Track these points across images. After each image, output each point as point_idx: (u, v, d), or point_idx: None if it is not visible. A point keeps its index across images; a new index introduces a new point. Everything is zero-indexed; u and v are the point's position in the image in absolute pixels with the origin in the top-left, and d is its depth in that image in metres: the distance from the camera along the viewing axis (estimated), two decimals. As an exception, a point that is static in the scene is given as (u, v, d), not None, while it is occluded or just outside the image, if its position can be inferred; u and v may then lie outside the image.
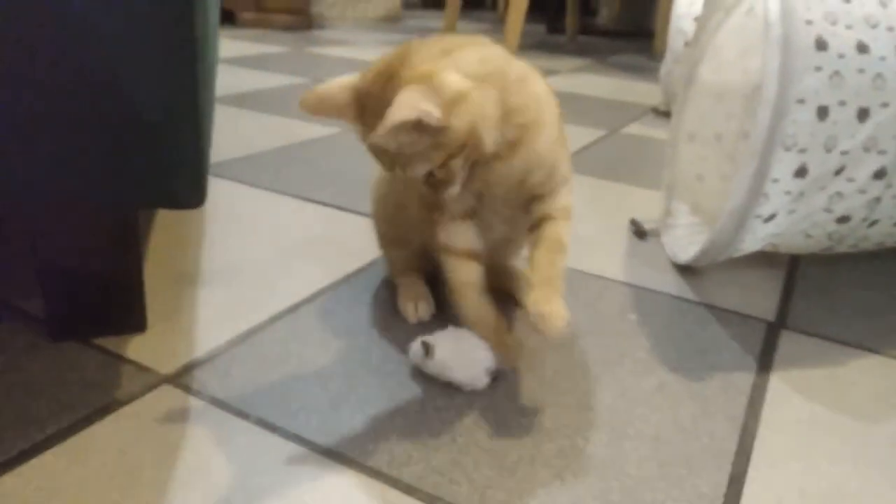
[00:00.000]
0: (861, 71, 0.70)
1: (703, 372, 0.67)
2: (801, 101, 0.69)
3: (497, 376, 0.63)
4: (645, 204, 1.12)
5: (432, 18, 4.06)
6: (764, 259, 0.94)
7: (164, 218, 0.93)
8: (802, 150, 0.71)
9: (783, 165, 0.71)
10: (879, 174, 0.74)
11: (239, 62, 2.14)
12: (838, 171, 0.73)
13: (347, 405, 0.59)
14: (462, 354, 0.61)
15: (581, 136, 1.52)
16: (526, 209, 0.65)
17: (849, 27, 0.70)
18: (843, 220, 0.78)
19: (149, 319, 0.68)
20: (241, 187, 1.06)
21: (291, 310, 0.73)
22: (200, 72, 0.55)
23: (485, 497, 0.49)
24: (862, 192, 0.75)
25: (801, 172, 0.72)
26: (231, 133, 1.36)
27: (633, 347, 0.70)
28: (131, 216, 0.63)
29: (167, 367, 0.62)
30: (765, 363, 0.69)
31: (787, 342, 0.73)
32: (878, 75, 0.71)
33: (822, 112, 0.70)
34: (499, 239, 0.70)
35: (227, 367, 0.62)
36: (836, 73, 0.69)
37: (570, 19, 3.37)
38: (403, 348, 0.67)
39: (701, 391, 0.64)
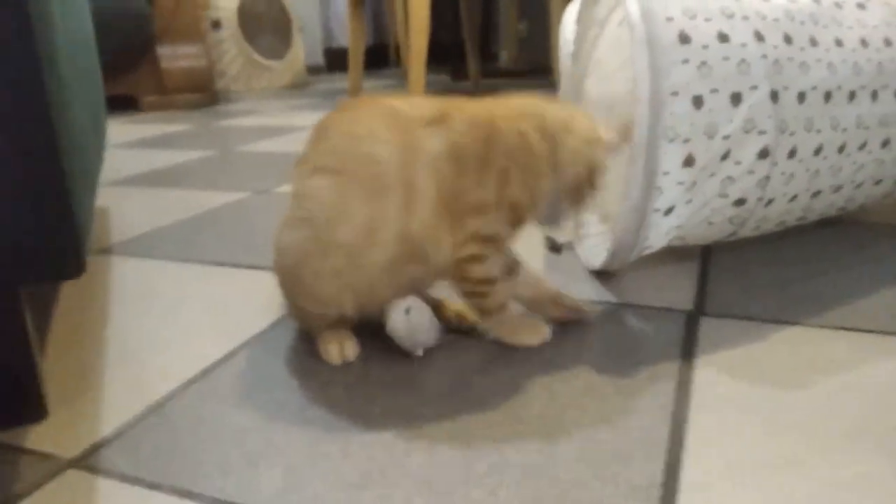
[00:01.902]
0: (726, 59, 0.74)
1: (629, 368, 0.67)
2: (675, 94, 0.72)
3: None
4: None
5: (338, 80, 4.12)
6: (676, 254, 0.96)
7: (66, 303, 0.89)
8: (686, 140, 0.73)
9: (670, 157, 0.73)
10: (763, 154, 0.77)
11: (143, 143, 2.10)
12: (724, 156, 0.76)
13: (265, 460, 0.56)
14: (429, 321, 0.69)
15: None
16: None
17: (707, 20, 0.74)
18: (740, 202, 0.80)
19: (50, 406, 0.64)
20: (148, 262, 1.03)
21: (203, 374, 0.70)
22: (62, 137, 0.53)
23: (417, 527, 0.47)
24: (751, 172, 0.78)
25: (689, 162, 0.74)
26: (137, 211, 1.32)
27: (557, 354, 0.70)
28: (13, 305, 0.59)
29: (71, 452, 0.57)
30: (688, 351, 0.70)
31: (708, 327, 0.74)
32: (742, 61, 0.74)
33: (697, 101, 0.73)
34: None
35: (137, 441, 0.59)
36: (703, 63, 0.73)
37: (472, 65, 3.47)
38: (323, 395, 0.64)
39: (628, 387, 0.63)
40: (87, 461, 0.56)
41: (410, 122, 0.64)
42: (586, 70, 1.03)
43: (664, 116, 0.71)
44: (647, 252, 0.84)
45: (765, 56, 0.75)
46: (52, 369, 0.71)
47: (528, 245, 1.02)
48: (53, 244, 0.54)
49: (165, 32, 2.87)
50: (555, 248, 1.00)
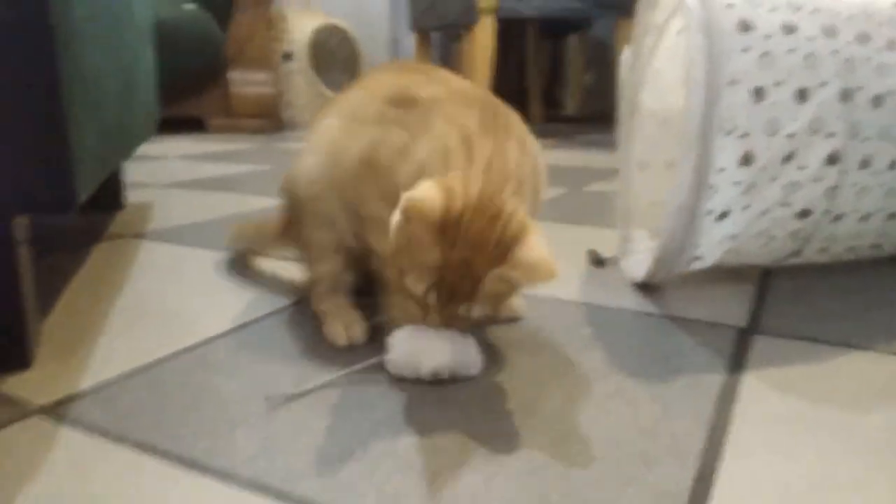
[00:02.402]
0: (791, 51, 0.67)
1: (666, 376, 0.59)
2: (734, 83, 0.66)
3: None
4: (604, 241, 1.07)
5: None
6: (732, 275, 0.87)
7: (87, 273, 0.87)
8: (744, 135, 0.67)
9: (727, 153, 0.67)
10: (832, 159, 0.69)
11: (202, 157, 2.14)
12: (787, 158, 0.68)
13: (246, 427, 0.50)
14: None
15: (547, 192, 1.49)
16: None
17: (772, 10, 0.68)
18: (804, 214, 0.72)
19: (39, 359, 0.61)
20: (178, 247, 1.01)
21: (200, 344, 0.65)
22: (63, 70, 0.50)
23: (396, 507, 0.41)
24: (817, 180, 0.70)
25: (747, 160, 0.68)
26: (180, 208, 1.31)
27: (585, 358, 0.63)
28: (9, 255, 0.56)
29: (44, 400, 0.53)
30: (736, 364, 0.62)
31: (761, 345, 0.66)
32: (810, 55, 0.68)
33: (758, 93, 0.66)
34: None
35: (114, 397, 0.54)
36: (766, 53, 0.66)
37: (535, 108, 3.46)
38: (325, 370, 0.59)
39: (663, 393, 0.56)
40: (57, 410, 0.52)
41: (393, 97, 0.64)
42: (642, 80, 0.97)
43: (720, 106, 0.65)
44: (698, 266, 0.76)
45: (836, 52, 0.69)
46: (53, 326, 0.68)
47: (570, 258, 0.95)
48: (46, 178, 0.51)
49: (237, 59, 2.96)
50: (598, 261, 0.93)
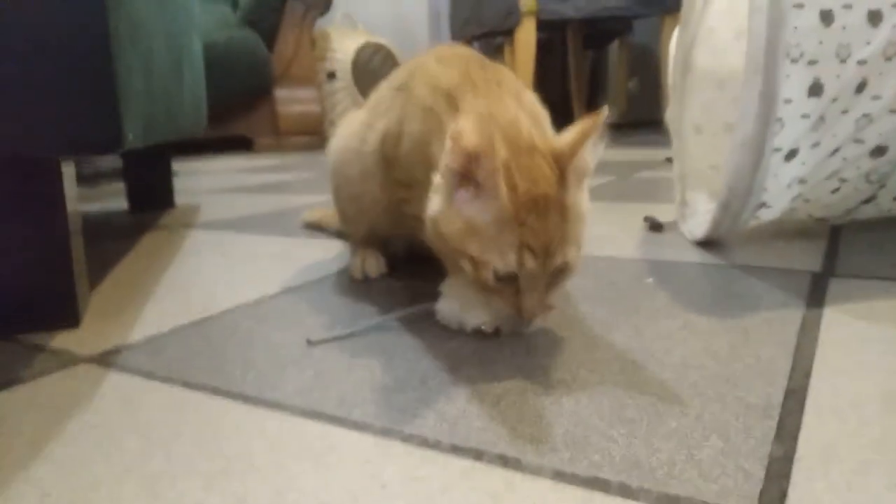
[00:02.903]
0: (861, -31, 0.63)
1: (739, 312, 0.55)
2: (800, 6, 0.62)
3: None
4: (660, 213, 1.02)
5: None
6: (801, 231, 0.82)
7: (139, 250, 0.86)
8: (812, 62, 0.62)
9: (793, 81, 0.62)
10: (909, 87, 0.64)
11: (251, 169, 2.16)
12: (860, 88, 0.64)
13: (295, 365, 0.48)
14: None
15: (594, 181, 1.45)
16: None
17: (838, -71, 0.64)
18: (879, 152, 0.67)
19: (88, 319, 0.60)
20: (225, 233, 1.00)
21: (252, 303, 0.64)
22: (111, 10, 0.50)
23: (455, 427, 0.38)
24: (893, 111, 0.65)
25: (815, 90, 0.63)
26: (228, 207, 1.32)
27: (650, 301, 0.59)
28: (57, 199, 0.56)
29: (91, 351, 0.52)
30: (815, 301, 0.57)
31: (838, 286, 0.61)
32: (883, -27, 0.63)
33: (826, 17, 0.62)
34: None
35: (163, 347, 0.53)
36: (834, -28, 0.62)
37: (579, 113, 3.42)
38: (376, 311, 0.57)
39: (739, 325, 0.51)
40: (105, 359, 0.51)
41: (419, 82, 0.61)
42: (695, 38, 0.94)
43: (786, 30, 0.61)
44: (766, 215, 0.72)
45: (910, -29, 0.64)
46: (102, 295, 0.68)
47: (625, 228, 0.91)
48: (94, 118, 0.51)
49: (283, 79, 3.02)
50: (656, 226, 0.89)
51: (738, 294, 0.60)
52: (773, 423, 0.37)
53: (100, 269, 0.79)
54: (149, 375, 0.47)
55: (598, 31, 3.53)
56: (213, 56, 2.59)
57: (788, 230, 0.83)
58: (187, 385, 0.45)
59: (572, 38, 3.44)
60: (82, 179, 1.99)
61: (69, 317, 0.58)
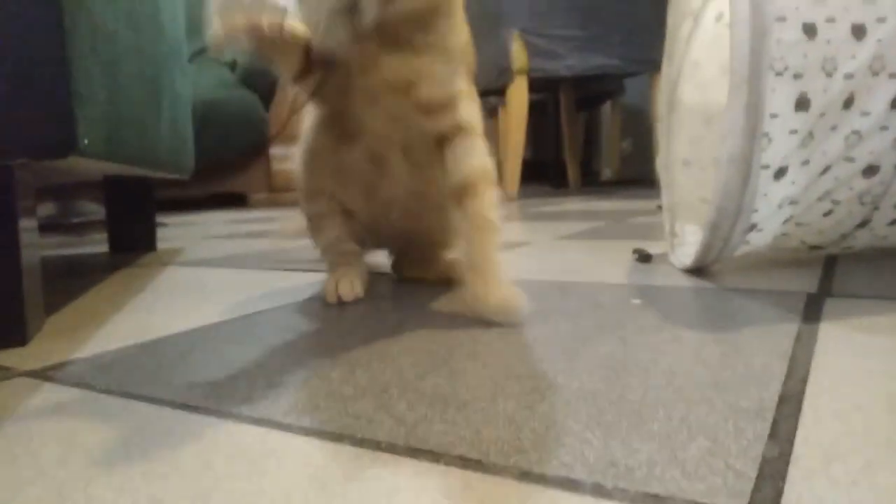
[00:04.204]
0: (843, -16, 0.62)
1: (731, 327, 0.51)
2: (782, 19, 0.60)
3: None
4: (649, 248, 1.00)
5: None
6: (794, 259, 0.79)
7: (109, 283, 0.83)
8: (798, 76, 0.61)
9: (779, 95, 0.61)
10: (898, 103, 0.63)
11: (242, 220, 2.15)
12: (848, 103, 0.62)
13: (246, 377, 0.44)
14: None
15: (585, 226, 1.43)
16: (428, 151, 0.62)
17: (817, -54, 0.64)
18: (871, 171, 0.65)
19: (38, 337, 0.56)
20: (202, 269, 0.97)
21: (208, 326, 0.60)
22: (67, 20, 0.49)
23: (413, 431, 0.34)
24: (883, 128, 0.63)
25: (802, 104, 0.61)
26: (210, 249, 1.29)
27: (638, 318, 0.55)
28: (9, 205, 0.53)
29: (32, 366, 0.48)
30: (810, 317, 0.53)
31: (835, 304, 0.57)
32: (865, -12, 0.62)
33: (810, 30, 0.61)
34: (402, 197, 0.67)
35: (109, 362, 0.49)
36: (815, -14, 0.61)
37: (573, 173, 3.44)
38: (332, 341, 0.53)
39: (730, 338, 0.48)
40: (44, 373, 0.47)
41: None
42: (680, 72, 0.93)
43: (769, 43, 0.60)
44: (757, 240, 0.69)
45: (893, -12, 0.63)
46: (59, 318, 0.64)
47: (614, 262, 0.88)
48: (44, 124, 0.48)
49: (279, 137, 3.04)
50: (645, 257, 0.86)
51: (730, 312, 0.56)
52: (767, 425, 0.33)
53: (64, 298, 0.76)
54: (87, 387, 0.43)
55: (591, 93, 3.59)
56: (211, 115, 2.62)
57: (782, 259, 0.80)
58: (126, 395, 0.41)
59: (565, 98, 3.49)
60: (69, 228, 1.96)
61: (15, 335, 0.54)
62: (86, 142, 0.50)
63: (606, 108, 3.93)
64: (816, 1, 0.61)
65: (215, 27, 0.48)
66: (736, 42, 0.60)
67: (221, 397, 0.40)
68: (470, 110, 0.61)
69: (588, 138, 4.19)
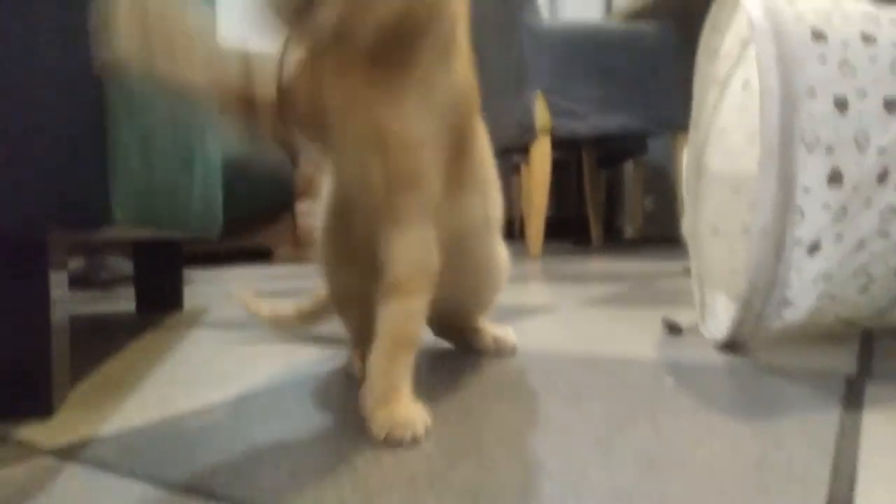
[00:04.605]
0: (873, 59, 0.62)
1: (769, 414, 0.49)
2: (813, 92, 0.60)
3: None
4: (679, 317, 0.98)
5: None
6: (829, 335, 0.77)
7: (140, 341, 0.83)
8: (829, 149, 0.60)
9: (811, 169, 0.60)
10: (934, 178, 0.62)
11: (267, 277, 2.16)
12: (882, 178, 0.61)
13: (272, 464, 0.43)
14: None
15: (609, 289, 1.41)
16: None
17: (846, 21, 0.64)
18: (909, 246, 0.64)
19: (63, 408, 0.56)
20: (227, 332, 0.97)
21: (237, 400, 0.59)
22: (112, 108, 0.50)
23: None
24: (920, 203, 0.62)
25: (835, 178, 0.61)
26: (235, 310, 1.29)
27: (670, 401, 0.54)
28: (41, 299, 0.53)
29: (55, 443, 0.48)
30: (852, 404, 0.51)
31: (877, 389, 0.55)
32: (896, 63, 0.62)
33: (841, 104, 0.61)
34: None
35: (134, 440, 0.48)
36: (845, 61, 0.61)
37: (596, 230, 3.44)
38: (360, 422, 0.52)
39: (769, 429, 0.46)
40: (68, 452, 0.46)
41: None
42: (707, 139, 0.93)
43: (800, 116, 0.59)
44: (791, 316, 0.67)
45: (924, 63, 0.63)
46: (84, 386, 0.64)
47: (642, 332, 0.87)
48: (82, 190, 0.49)
49: (305, 191, 3.09)
50: (674, 328, 0.84)
51: (767, 396, 0.54)
52: (817, 533, 0.31)
53: (89, 364, 0.76)
54: (111, 469, 0.42)
55: (613, 151, 3.61)
56: (239, 174, 2.67)
57: (816, 333, 0.78)
58: (151, 480, 0.40)
59: (587, 156, 3.51)
60: (97, 284, 1.99)
61: (41, 407, 0.54)
62: (119, 214, 0.51)
63: (629, 165, 3.94)
64: (847, 74, 0.61)
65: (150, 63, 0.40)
66: (766, 115, 0.60)
67: (245, 485, 0.39)
68: (432, 191, 0.49)
69: (610, 196, 4.19)
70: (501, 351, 0.72)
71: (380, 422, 0.46)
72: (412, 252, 0.48)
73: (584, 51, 2.52)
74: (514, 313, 1.05)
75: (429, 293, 0.49)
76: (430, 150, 0.47)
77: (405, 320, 0.48)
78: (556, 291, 1.35)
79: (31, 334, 0.53)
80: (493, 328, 0.74)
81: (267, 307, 0.90)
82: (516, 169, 3.96)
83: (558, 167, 3.06)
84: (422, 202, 0.48)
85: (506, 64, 2.60)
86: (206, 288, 1.79)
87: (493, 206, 0.63)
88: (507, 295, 1.28)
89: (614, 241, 3.72)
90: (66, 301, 0.57)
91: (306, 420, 0.52)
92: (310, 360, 0.75)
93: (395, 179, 0.46)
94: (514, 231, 5.05)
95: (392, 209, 0.47)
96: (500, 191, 0.65)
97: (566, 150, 3.55)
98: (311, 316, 0.85)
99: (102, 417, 0.54)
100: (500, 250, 0.68)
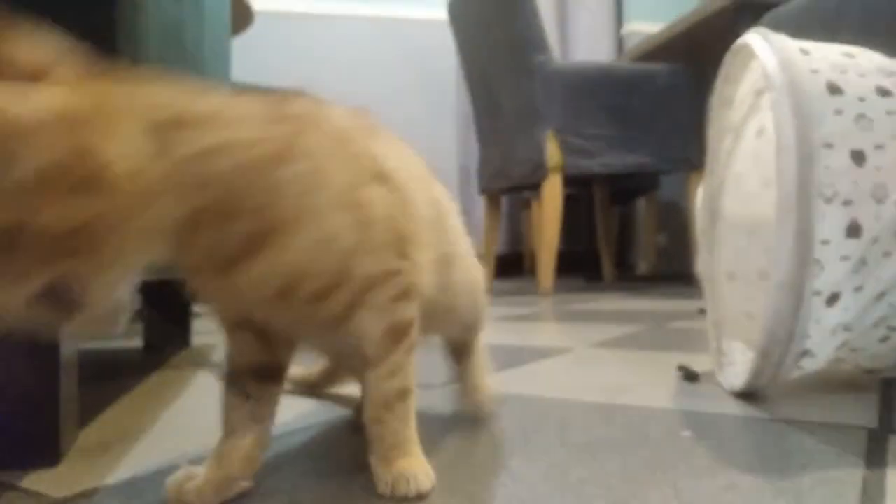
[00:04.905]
0: (890, 113, 0.62)
1: (789, 472, 0.48)
2: (830, 146, 0.60)
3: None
4: (695, 364, 0.96)
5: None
6: (849, 382, 0.75)
7: (150, 384, 0.83)
8: (847, 202, 0.60)
9: (830, 222, 0.59)
10: (954, 231, 0.61)
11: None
12: (901, 230, 0.61)
13: (283, 514, 0.42)
14: None
15: (623, 330, 1.40)
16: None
17: (862, 75, 0.64)
18: (929, 298, 0.63)
19: (70, 456, 0.55)
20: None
21: (247, 444, 0.58)
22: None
23: None
24: (940, 255, 0.61)
25: (854, 231, 0.60)
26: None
27: (690, 455, 0.52)
28: (52, 353, 0.53)
29: (63, 493, 0.47)
30: (874, 461, 0.50)
31: (902, 446, 0.54)
32: (913, 116, 0.62)
33: (858, 157, 0.60)
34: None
35: (143, 489, 0.48)
36: (862, 115, 0.61)
37: (608, 266, 3.42)
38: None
39: (790, 487, 0.45)
40: (75, 502, 0.46)
41: None
42: (722, 186, 0.93)
43: (817, 169, 0.59)
44: (810, 365, 0.66)
45: (942, 115, 0.63)
46: (91, 433, 0.63)
47: (659, 375, 0.85)
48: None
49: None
50: (691, 376, 0.83)
51: (787, 451, 0.53)
52: None
53: (96, 406, 0.75)
54: (116, 522, 0.42)
55: (625, 188, 3.61)
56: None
57: (835, 381, 0.77)
58: (156, 536, 0.40)
59: (599, 193, 3.51)
60: (108, 318, 1.99)
61: (49, 455, 0.53)
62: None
63: (641, 202, 3.94)
64: (864, 127, 0.61)
65: None
66: (783, 168, 0.59)
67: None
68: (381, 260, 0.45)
69: (623, 232, 4.19)
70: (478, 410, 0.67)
71: (385, 477, 0.45)
72: (385, 320, 0.46)
73: (595, 90, 2.54)
74: (527, 354, 1.04)
75: (411, 338, 0.47)
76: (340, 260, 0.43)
77: (388, 378, 0.46)
78: (567, 333, 1.34)
79: (40, 373, 0.52)
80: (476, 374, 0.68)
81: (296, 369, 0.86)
82: (527, 204, 3.97)
83: (570, 201, 3.06)
84: (365, 285, 0.45)
85: (518, 103, 2.62)
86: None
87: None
88: (519, 335, 1.27)
89: (626, 277, 3.71)
90: (74, 352, 0.57)
91: (315, 471, 0.51)
92: (318, 407, 0.74)
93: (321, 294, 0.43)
94: (523, 266, 5.04)
95: (336, 313, 0.45)
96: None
97: (578, 186, 3.55)
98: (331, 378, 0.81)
99: (110, 465, 0.53)
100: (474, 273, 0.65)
